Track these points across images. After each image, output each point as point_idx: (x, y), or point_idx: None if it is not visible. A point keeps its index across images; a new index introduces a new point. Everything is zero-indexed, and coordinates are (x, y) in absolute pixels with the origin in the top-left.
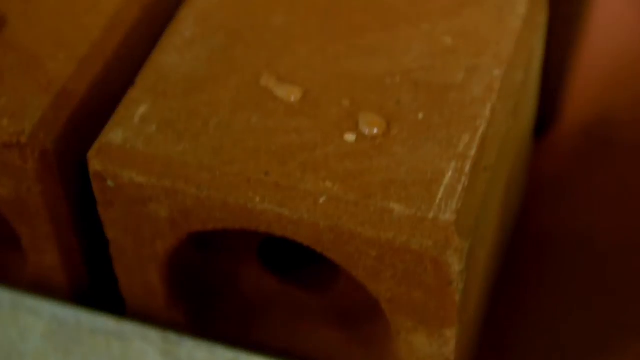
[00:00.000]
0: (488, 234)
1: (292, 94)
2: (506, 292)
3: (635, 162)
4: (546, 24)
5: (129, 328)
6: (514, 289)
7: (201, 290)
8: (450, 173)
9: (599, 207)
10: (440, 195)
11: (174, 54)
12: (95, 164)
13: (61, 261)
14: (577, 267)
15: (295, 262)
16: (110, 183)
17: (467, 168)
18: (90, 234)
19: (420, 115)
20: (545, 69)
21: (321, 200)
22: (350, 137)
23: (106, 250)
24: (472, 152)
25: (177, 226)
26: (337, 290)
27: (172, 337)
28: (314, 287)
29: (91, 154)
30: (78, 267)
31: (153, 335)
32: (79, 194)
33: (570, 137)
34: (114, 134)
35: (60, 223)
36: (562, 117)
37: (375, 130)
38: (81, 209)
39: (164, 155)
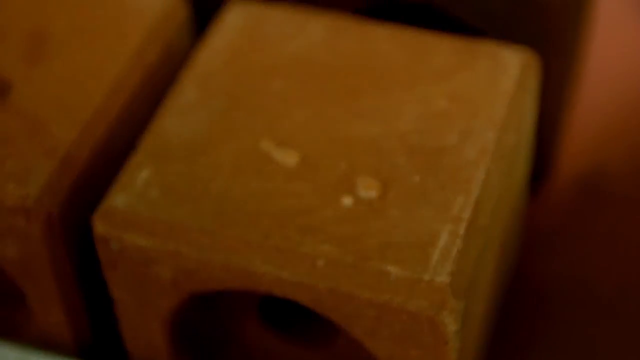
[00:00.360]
0: (483, 293)
1: (290, 158)
2: (504, 346)
3: (631, 214)
4: (538, 84)
5: None
6: (511, 343)
7: (204, 347)
8: (445, 235)
9: (595, 258)
10: (435, 257)
11: (175, 118)
12: (99, 227)
13: (66, 319)
14: (575, 319)
15: (295, 318)
16: (114, 246)
17: (462, 230)
18: (95, 292)
19: (416, 178)
20: (539, 123)
21: (319, 263)
22: (347, 200)
23: (110, 308)
24: (467, 215)
25: (180, 287)
26: (336, 346)
27: None
28: (314, 343)
29: (95, 218)
30: (83, 324)
31: None
32: (84, 255)
33: (565, 189)
34: (117, 198)
35: (65, 283)
36: (556, 170)
37: (372, 194)
38: (86, 269)
39: (166, 218)
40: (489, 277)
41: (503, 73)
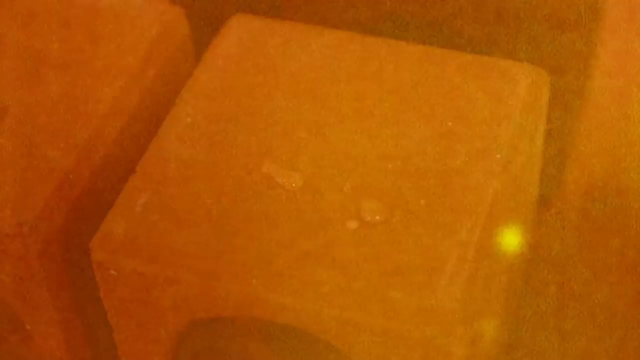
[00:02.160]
0: (492, 318)
1: (293, 181)
2: None
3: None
4: (547, 101)
5: None
6: None
7: None
8: (452, 260)
9: (606, 275)
10: (443, 282)
11: (175, 140)
12: (97, 254)
13: (66, 344)
14: (587, 337)
15: (301, 341)
16: (112, 272)
17: (470, 254)
18: (95, 317)
19: (422, 201)
20: (548, 138)
21: (324, 289)
22: (352, 224)
23: (110, 332)
24: (475, 238)
25: (180, 313)
26: None
27: None
28: None
29: (93, 244)
30: (83, 349)
31: None
32: (82, 279)
33: (575, 205)
34: (116, 224)
35: (63, 309)
36: (563, 190)
37: (377, 217)
38: (85, 293)
39: (166, 244)
40: (498, 300)
41: (511, 91)
